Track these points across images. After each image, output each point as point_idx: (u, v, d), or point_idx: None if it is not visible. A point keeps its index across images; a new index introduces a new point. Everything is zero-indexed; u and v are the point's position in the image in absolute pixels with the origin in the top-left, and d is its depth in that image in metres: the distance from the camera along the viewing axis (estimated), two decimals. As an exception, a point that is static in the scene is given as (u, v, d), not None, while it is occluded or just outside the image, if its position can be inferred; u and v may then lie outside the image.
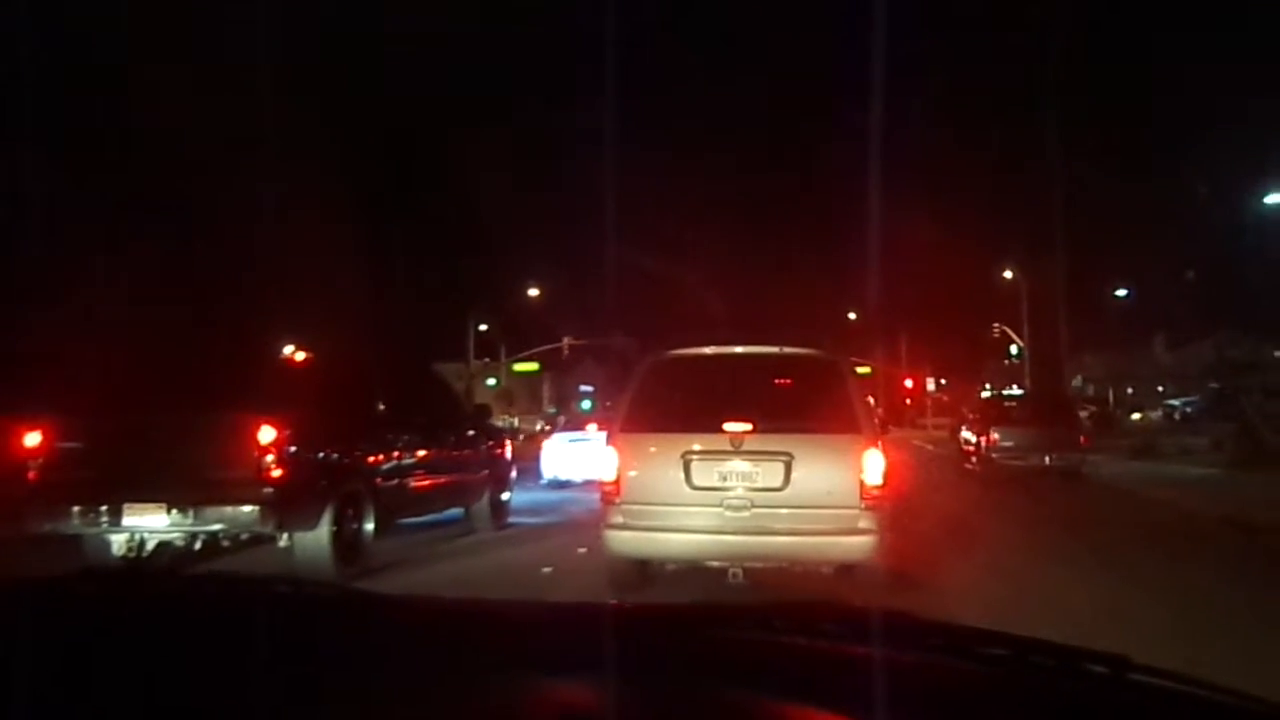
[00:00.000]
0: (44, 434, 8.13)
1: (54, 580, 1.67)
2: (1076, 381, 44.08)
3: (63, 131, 20.25)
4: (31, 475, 8.06)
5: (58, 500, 7.86)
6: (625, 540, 7.06)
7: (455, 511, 11.28)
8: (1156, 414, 43.58)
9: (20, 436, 8.21)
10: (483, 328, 45.56)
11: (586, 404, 50.52)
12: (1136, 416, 43.33)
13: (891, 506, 7.00)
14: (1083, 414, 26.09)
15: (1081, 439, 19.65)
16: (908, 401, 58.70)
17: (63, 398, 9.26)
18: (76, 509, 7.82)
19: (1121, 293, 44.41)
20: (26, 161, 19.34)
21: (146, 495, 7.75)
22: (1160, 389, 47.96)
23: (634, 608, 1.74)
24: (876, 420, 8.17)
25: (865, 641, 1.31)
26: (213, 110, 21.22)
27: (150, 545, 8.17)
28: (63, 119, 20.17)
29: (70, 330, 16.34)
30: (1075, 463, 18.69)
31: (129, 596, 1.67)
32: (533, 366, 50.20)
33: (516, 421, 43.31)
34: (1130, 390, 50.93)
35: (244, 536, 8.25)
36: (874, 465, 6.74)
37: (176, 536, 8.08)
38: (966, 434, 22.18)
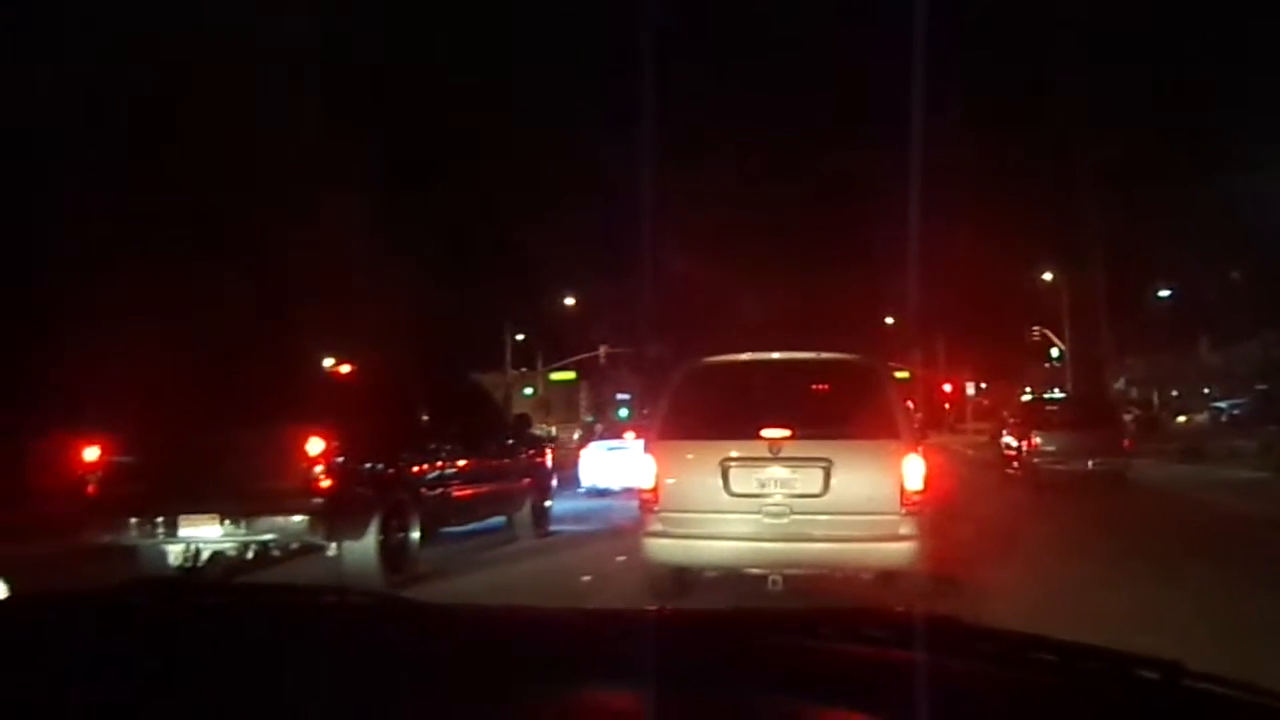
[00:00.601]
0: (102, 449, 8.38)
1: (110, 590, 1.70)
2: (1119, 384, 43.44)
3: (101, 149, 20.72)
4: (90, 489, 8.31)
5: (116, 512, 8.10)
6: (664, 547, 7.10)
7: (498, 520, 11.42)
8: (1203, 416, 42.82)
9: (79, 451, 8.48)
10: (520, 337, 45.85)
11: (624, 412, 50.65)
12: (1182, 419, 42.65)
13: (932, 512, 7.00)
14: (1126, 417, 25.79)
15: (1125, 442, 19.41)
16: (947, 406, 58.18)
17: (117, 414, 9.54)
18: (134, 520, 8.05)
19: (1164, 293, 43.74)
20: (68, 179, 19.82)
21: (200, 506, 7.96)
22: (1206, 391, 47.11)
23: (674, 614, 1.78)
24: (916, 425, 8.16)
25: (910, 647, 1.30)
26: (255, 126, 21.60)
27: (205, 555, 8.38)
28: (100, 136, 20.63)
29: (121, 348, 16.72)
30: (1120, 467, 18.46)
31: (182, 605, 1.72)
32: (570, 375, 50.43)
33: (554, 430, 43.53)
34: (1175, 393, 50.11)
35: (294, 546, 8.44)
36: (914, 470, 6.75)
37: (229, 546, 8.28)
38: (1007, 438, 21.99)
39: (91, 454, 8.37)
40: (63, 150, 19.64)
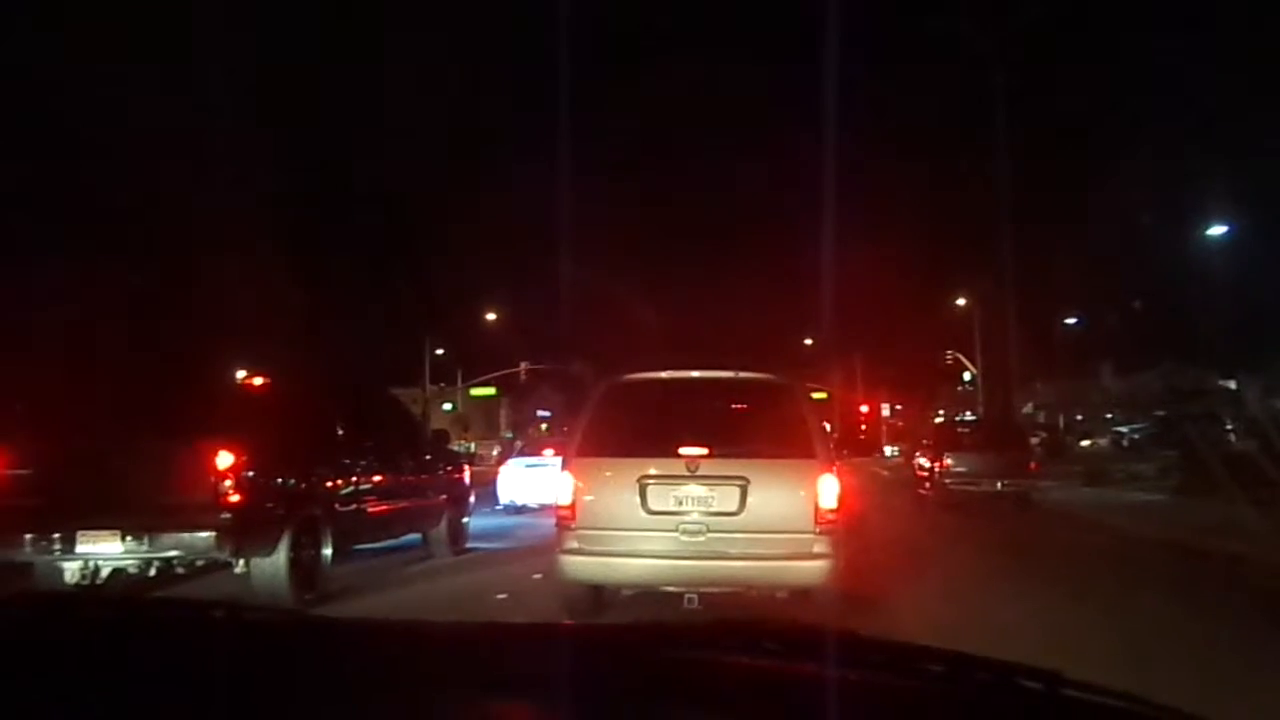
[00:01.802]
0: (-3, 461, 8.03)
1: (9, 601, 1.67)
2: (1028, 408, 44.78)
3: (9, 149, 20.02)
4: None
5: (9, 528, 7.75)
6: (580, 565, 7.06)
7: (413, 536, 11.25)
8: (1105, 441, 44.35)
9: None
10: (439, 352, 45.37)
11: (544, 429, 50.37)
12: (1086, 443, 44.09)
13: (846, 531, 7.11)
14: (1034, 440, 26.53)
15: (1032, 465, 19.98)
16: (863, 427, 59.25)
17: (13, 425, 9.15)
18: (29, 536, 7.72)
19: (1071, 321, 45.29)
20: None
21: (100, 522, 7.67)
22: (1109, 416, 48.83)
23: (581, 628, 1.79)
24: (831, 445, 8.29)
25: (808, 660, 1.33)
26: (161, 138, 21.09)
27: (104, 572, 8.07)
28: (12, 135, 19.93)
29: (19, 357, 16.08)
30: (1026, 488, 19.01)
31: (74, 620, 1.66)
32: (489, 391, 50.04)
33: (473, 446, 43.07)
34: (1080, 417, 51.82)
35: (200, 563, 8.19)
36: (829, 490, 6.85)
37: (131, 563, 7.99)
38: (920, 459, 22.48)
39: (-16, 466, 8.00)
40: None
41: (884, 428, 57.94)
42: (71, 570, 7.97)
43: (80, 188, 20.92)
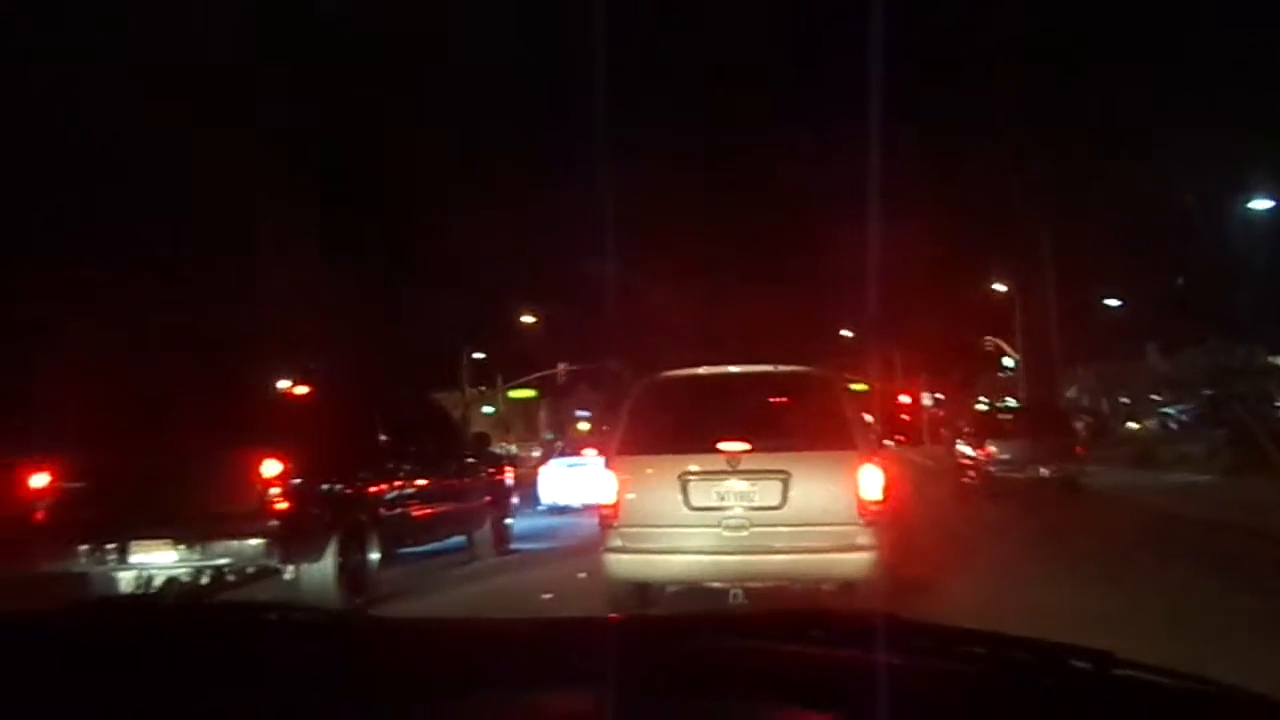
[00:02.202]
0: (50, 474, 8.21)
1: (66, 610, 1.71)
2: (1071, 392, 44.19)
3: (49, 172, 20.41)
4: (38, 515, 8.14)
5: (65, 539, 7.94)
6: (624, 563, 7.10)
7: (458, 539, 11.35)
8: (1152, 422, 43.65)
9: (26, 478, 8.30)
10: (478, 356, 45.65)
11: (583, 428, 50.54)
12: (1132, 426, 43.44)
13: (890, 522, 7.08)
14: (1078, 424, 26.19)
15: (1078, 449, 19.74)
16: (905, 417, 58.77)
17: (66, 438, 9.35)
18: (84, 547, 7.89)
19: (1114, 302, 44.62)
20: (14, 203, 19.49)
21: (152, 531, 7.83)
22: (1155, 397, 48.04)
23: (630, 620, 1.80)
24: (873, 436, 8.27)
25: (854, 646, 1.34)
26: (207, 148, 21.38)
27: (157, 581, 8.23)
28: (46, 159, 20.32)
29: (72, 372, 16.42)
30: (1073, 473, 18.76)
31: (139, 624, 1.71)
32: (529, 393, 50.26)
33: (514, 448, 43.30)
34: (1125, 399, 51.06)
35: (250, 570, 8.32)
36: (871, 481, 6.82)
37: (183, 571, 8.15)
38: (963, 448, 22.27)
39: (40, 480, 8.20)
40: (8, 176, 19.30)
41: (925, 417, 57.42)
42: (126, 580, 8.15)
43: (110, 188, 21.27)
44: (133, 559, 7.91)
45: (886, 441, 42.37)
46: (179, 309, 21.27)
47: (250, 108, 23.17)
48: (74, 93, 20.17)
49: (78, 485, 8.23)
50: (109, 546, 7.87)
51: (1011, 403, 35.63)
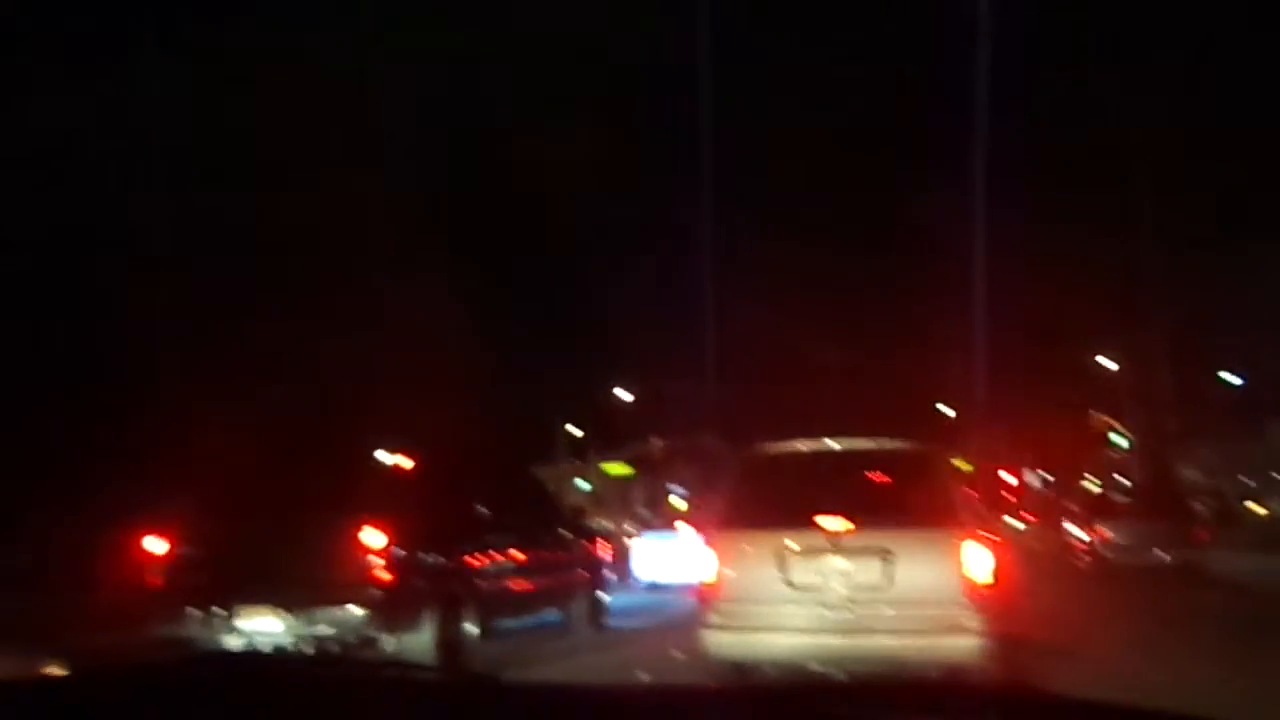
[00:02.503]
0: (166, 538, 8.52)
1: (197, 659, 1.77)
2: (1189, 472, 42.18)
3: (167, 240, 21.49)
4: (151, 579, 8.42)
5: (175, 603, 8.19)
6: (723, 642, 6.98)
7: (554, 614, 11.30)
8: (1276, 504, 41.25)
9: (142, 541, 8.62)
10: (575, 430, 46.02)
11: (678, 505, 50.19)
12: (1257, 509, 41.15)
13: (999, 605, 6.81)
14: (1198, 507, 24.97)
15: (1200, 533, 18.76)
16: (1009, 496, 56.86)
17: (181, 504, 9.69)
18: (194, 612, 8.12)
19: (1235, 380, 42.67)
20: (136, 270, 20.53)
21: (259, 599, 8.02)
22: (1278, 477, 45.45)
23: (746, 687, 1.76)
24: (979, 514, 8.01)
25: (986, 718, 1.29)
26: (338, 206, 22.19)
27: (262, 648, 8.38)
28: (167, 227, 21.42)
29: (190, 436, 17.11)
30: (1195, 558, 17.77)
31: (267, 679, 1.73)
32: (624, 469, 50.31)
33: (609, 524, 43.23)
34: (1248, 480, 48.48)
35: (351, 640, 8.41)
36: (978, 561, 6.60)
37: (287, 640, 8.29)
38: (1074, 529, 21.39)
39: (154, 544, 8.50)
40: (131, 243, 20.41)
41: (1031, 496, 55.45)
42: (233, 647, 8.31)
43: (238, 275, 22.27)
44: (239, 625, 8.09)
45: (1014, 522, 40.98)
46: (296, 377, 21.98)
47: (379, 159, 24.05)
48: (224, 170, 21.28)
49: (190, 550, 8.51)
50: (218, 612, 8.07)
51: (1125, 482, 34.22)
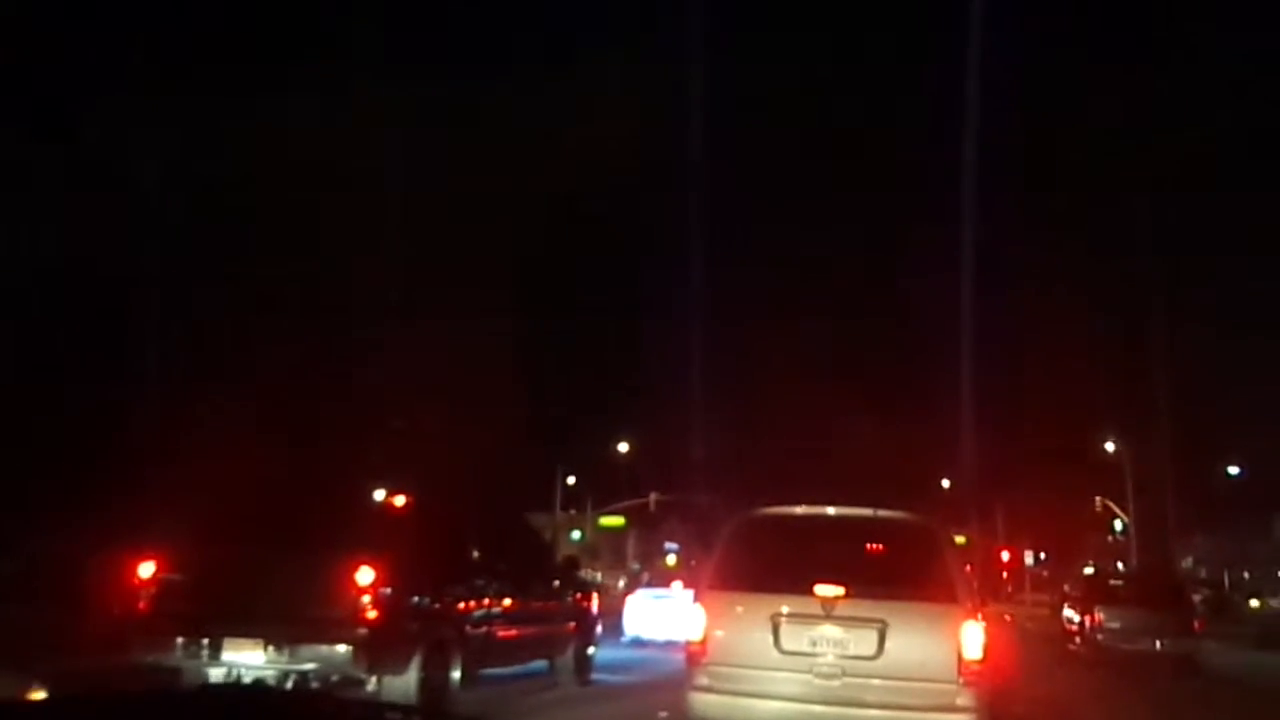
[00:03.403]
0: (155, 565, 8.45)
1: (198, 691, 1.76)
2: (1187, 562, 41.85)
3: (174, 270, 21.62)
4: (140, 605, 8.35)
5: (163, 631, 8.10)
6: (710, 704, 6.88)
7: (540, 664, 11.17)
8: (1277, 601, 40.83)
9: (135, 567, 8.55)
10: (570, 481, 45.80)
11: (671, 561, 49.78)
12: (1255, 603, 40.70)
13: (991, 685, 6.73)
14: (1196, 597, 24.73)
15: (1196, 624, 18.54)
16: (1005, 575, 56.32)
17: (173, 531, 9.64)
18: (180, 640, 8.03)
19: (1234, 471, 42.49)
20: (137, 299, 20.65)
21: (246, 630, 7.94)
22: (1280, 574, 45.03)
23: None
24: (975, 591, 7.94)
25: None
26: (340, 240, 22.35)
27: (246, 680, 8.28)
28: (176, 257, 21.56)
29: (187, 464, 17.07)
30: (1190, 649, 17.55)
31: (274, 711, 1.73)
32: (619, 521, 49.99)
33: (600, 576, 42.82)
34: (1247, 574, 48.01)
35: (334, 678, 8.31)
36: (973, 638, 6.53)
37: (271, 674, 8.18)
38: (1069, 612, 21.16)
39: (144, 568, 8.44)
40: (133, 271, 20.54)
41: (1027, 576, 54.92)
42: (216, 677, 8.21)
43: (239, 310, 22.36)
44: (224, 656, 8.00)
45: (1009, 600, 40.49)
46: (294, 412, 21.98)
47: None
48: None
49: (179, 577, 8.44)
50: (204, 642, 7.99)
51: (1122, 568, 33.93)
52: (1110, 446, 38.91)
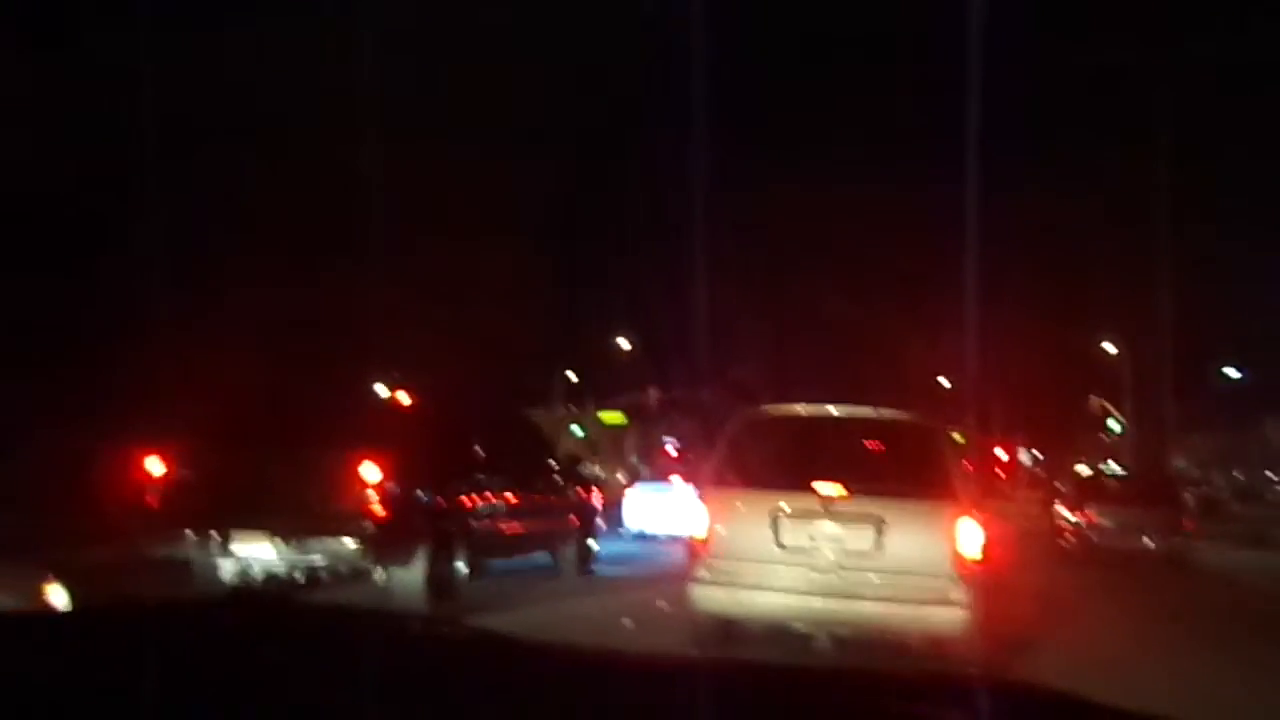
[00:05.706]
0: (164, 460, 8.56)
1: (204, 601, 1.76)
2: (1180, 462, 42.34)
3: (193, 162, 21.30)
4: (149, 499, 8.49)
5: (172, 524, 8.26)
6: (711, 596, 7.04)
7: (543, 556, 11.41)
8: (1270, 499, 41.46)
9: (143, 461, 8.66)
10: (572, 377, 46.03)
11: (671, 456, 50.38)
12: (1246, 502, 41.35)
13: (986, 580, 6.88)
14: (1188, 497, 25.10)
15: (1186, 523, 18.86)
16: (1001, 473, 57.10)
17: (181, 426, 9.73)
18: (190, 534, 8.20)
19: (1233, 373, 42.68)
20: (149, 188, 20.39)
21: (254, 524, 8.09)
22: (1271, 475, 45.64)
23: (730, 664, 1.76)
24: (973, 489, 8.06)
25: (972, 713, 1.27)
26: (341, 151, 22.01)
27: (255, 574, 8.48)
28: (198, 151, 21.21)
29: (195, 360, 17.11)
30: (1180, 547, 17.87)
31: (278, 624, 1.74)
32: (620, 418, 50.42)
33: (599, 470, 43.41)
34: (1238, 474, 48.67)
35: (343, 570, 8.51)
36: (969, 535, 6.64)
37: (280, 567, 8.38)
38: (1062, 510, 21.51)
39: (154, 464, 8.55)
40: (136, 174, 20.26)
41: (1023, 474, 55.67)
42: (226, 569, 8.41)
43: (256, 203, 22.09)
44: (234, 549, 8.17)
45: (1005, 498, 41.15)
46: (301, 305, 21.90)
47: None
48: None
49: (187, 473, 8.56)
50: (212, 534, 8.15)
51: (1115, 468, 34.37)
52: (1110, 347, 39.03)
